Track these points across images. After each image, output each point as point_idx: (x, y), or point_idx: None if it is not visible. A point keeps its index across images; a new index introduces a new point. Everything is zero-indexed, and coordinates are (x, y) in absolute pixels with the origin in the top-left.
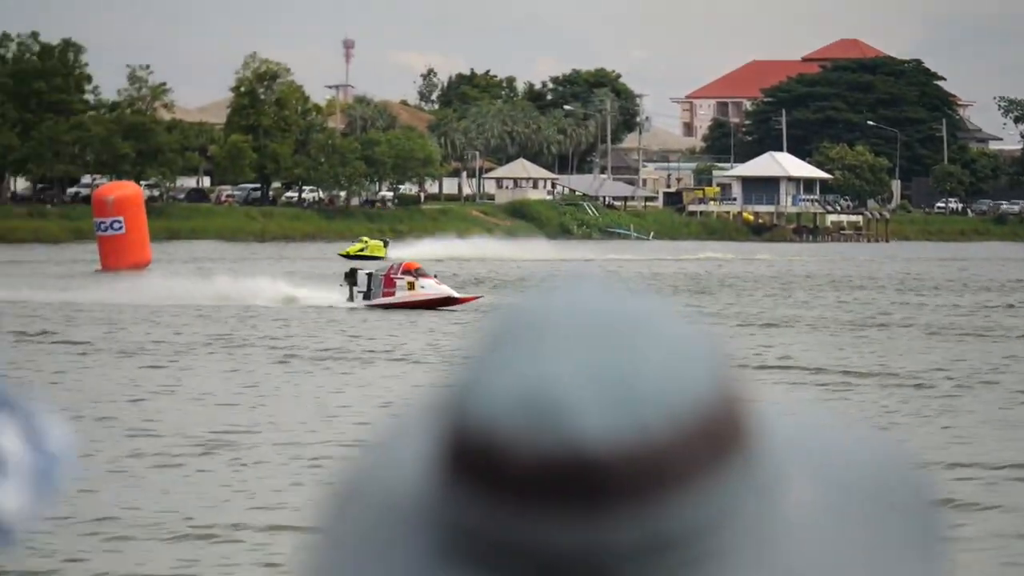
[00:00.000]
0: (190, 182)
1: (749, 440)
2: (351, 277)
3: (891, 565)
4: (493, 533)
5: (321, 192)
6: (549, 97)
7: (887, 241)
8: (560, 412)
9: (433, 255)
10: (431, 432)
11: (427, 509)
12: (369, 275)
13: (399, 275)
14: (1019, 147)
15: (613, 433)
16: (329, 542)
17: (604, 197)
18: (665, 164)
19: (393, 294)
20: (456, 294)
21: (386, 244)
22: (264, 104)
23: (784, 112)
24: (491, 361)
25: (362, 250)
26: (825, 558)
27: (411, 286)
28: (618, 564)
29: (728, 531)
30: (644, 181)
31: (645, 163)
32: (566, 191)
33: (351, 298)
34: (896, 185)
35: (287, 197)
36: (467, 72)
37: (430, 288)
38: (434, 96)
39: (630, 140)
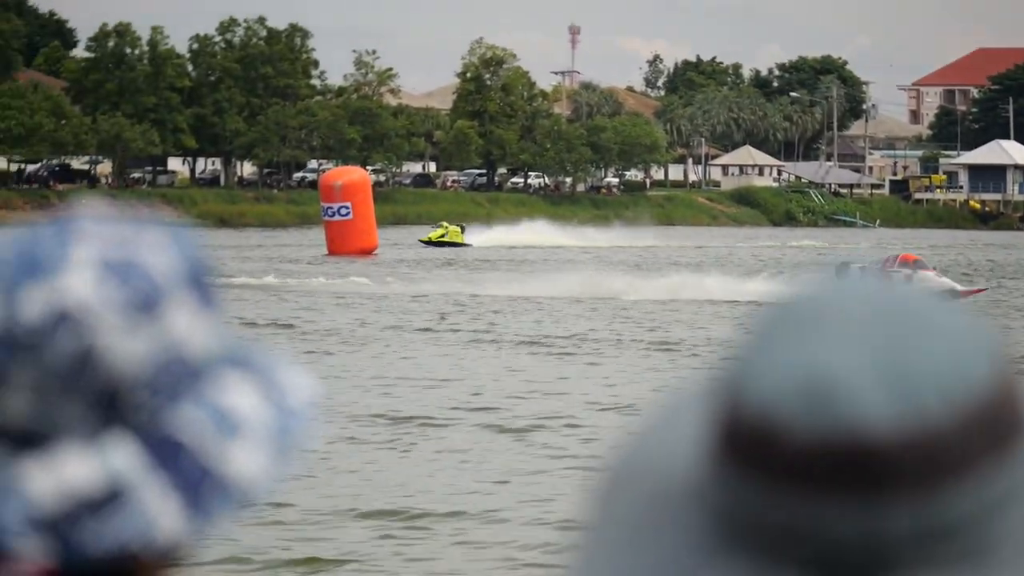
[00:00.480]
0: (416, 168)
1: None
2: (843, 270)
3: None
4: (769, 518)
5: (546, 178)
6: (775, 84)
7: None
8: (839, 397)
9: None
10: (706, 416)
11: (701, 493)
12: (862, 268)
13: (895, 267)
14: None
15: (893, 419)
16: (600, 526)
17: (830, 184)
18: (891, 152)
19: None
20: (959, 287)
21: (463, 229)
22: (490, 90)
23: (1011, 100)
24: (769, 346)
25: (443, 236)
26: None
27: (908, 279)
28: (894, 551)
29: (1004, 521)
30: (870, 169)
31: (871, 151)
32: (792, 178)
33: None
34: None
35: (512, 183)
36: (693, 59)
37: (930, 282)
38: (660, 82)
39: (856, 127)
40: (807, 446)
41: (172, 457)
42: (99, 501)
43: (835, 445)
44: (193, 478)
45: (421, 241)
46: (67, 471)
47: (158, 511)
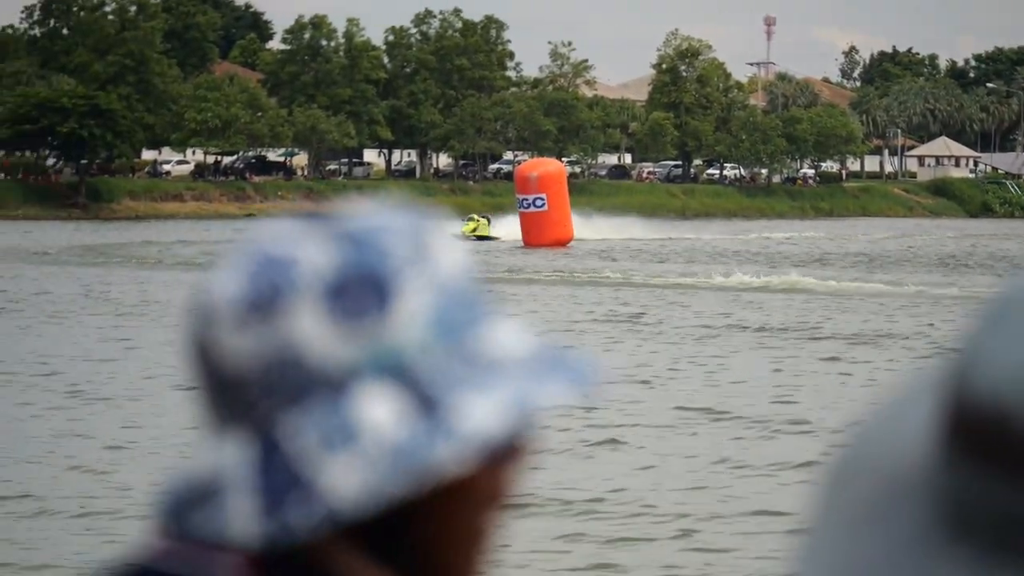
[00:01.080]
0: (611, 159)
1: None
2: None
3: None
4: (999, 508)
5: (742, 169)
6: (971, 75)
7: None
8: None
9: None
10: (935, 404)
11: (928, 485)
12: None
13: None
14: None
15: None
16: (824, 518)
17: None
18: None
19: None
20: None
21: (489, 221)
22: (686, 81)
23: None
24: (1001, 334)
25: (475, 230)
26: None
27: None
28: None
29: None
30: None
31: None
32: (988, 169)
33: None
34: None
35: (708, 174)
36: (889, 50)
37: None
38: (855, 73)
39: None
40: None
41: (265, 460)
42: (199, 494)
43: None
44: (280, 485)
45: (464, 234)
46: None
47: (236, 512)
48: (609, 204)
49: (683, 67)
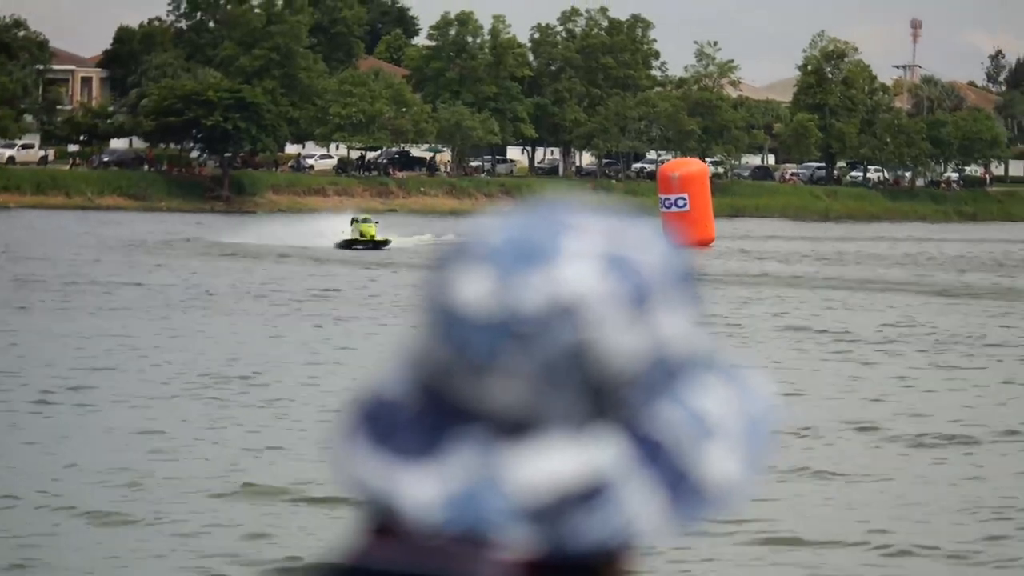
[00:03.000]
0: (754, 160)
1: None
2: None
3: None
4: None
5: (886, 172)
6: None
7: None
8: None
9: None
10: None
11: None
12: None
13: None
14: None
15: None
16: None
17: None
18: None
19: None
20: None
21: (376, 223)
22: (831, 83)
23: None
24: None
25: (363, 234)
26: None
27: None
28: None
29: None
30: None
31: None
32: None
33: None
34: None
35: (851, 177)
36: None
37: None
38: (1001, 77)
39: None
40: None
41: (654, 456)
42: (583, 495)
43: None
44: (672, 479)
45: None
46: (554, 463)
47: (640, 510)
48: (752, 205)
49: (828, 69)
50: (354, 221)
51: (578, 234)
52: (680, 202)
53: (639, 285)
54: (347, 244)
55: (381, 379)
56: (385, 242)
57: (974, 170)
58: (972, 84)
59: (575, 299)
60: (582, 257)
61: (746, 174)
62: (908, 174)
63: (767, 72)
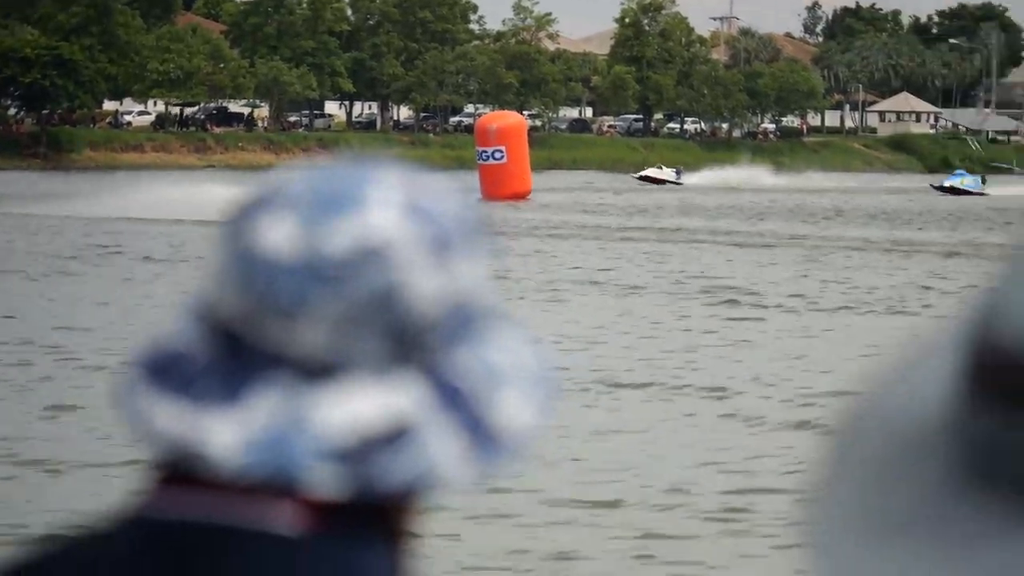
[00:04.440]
0: (572, 112)
1: None
2: None
3: None
4: None
5: (703, 124)
6: (934, 31)
7: None
8: None
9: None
10: (959, 356)
11: (952, 431)
12: None
13: None
14: None
15: None
16: (842, 472)
17: (987, 132)
18: None
19: None
20: None
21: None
22: (648, 35)
23: None
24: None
25: None
26: None
27: None
28: None
29: None
30: None
31: None
32: (949, 125)
33: None
34: None
35: (668, 128)
36: (852, 5)
37: None
38: (818, 29)
39: (1015, 75)
40: None
41: (453, 402)
42: (387, 438)
43: None
44: (471, 424)
45: None
46: (358, 406)
47: (442, 453)
48: (569, 158)
49: (646, 21)
50: None
51: (380, 184)
52: (497, 155)
53: (440, 233)
54: None
55: (168, 331)
56: None
57: (791, 121)
58: (789, 36)
59: (381, 243)
60: (386, 204)
61: (564, 127)
62: (725, 125)
63: (585, 25)
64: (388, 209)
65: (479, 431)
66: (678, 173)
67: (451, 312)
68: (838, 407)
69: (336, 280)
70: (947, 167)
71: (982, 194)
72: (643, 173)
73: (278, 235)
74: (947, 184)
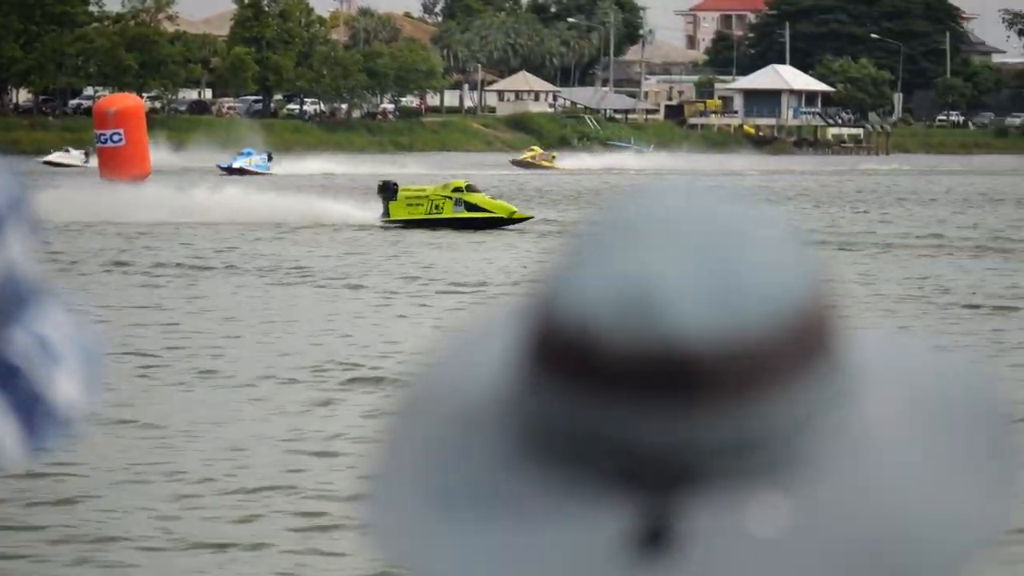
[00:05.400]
0: (192, 94)
1: (837, 348)
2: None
3: (964, 481)
4: (580, 429)
5: (323, 104)
6: (553, 9)
7: (887, 154)
8: (657, 306)
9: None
10: (518, 330)
11: (510, 407)
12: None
13: None
14: (1022, 60)
15: (710, 329)
16: (401, 447)
17: (605, 110)
18: (667, 77)
19: None
20: None
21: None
22: (268, 16)
23: (787, 25)
24: (586, 258)
25: None
26: (900, 470)
27: None
28: (703, 462)
29: (811, 436)
30: (646, 94)
31: (647, 76)
32: (568, 104)
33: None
34: (898, 98)
35: (288, 109)
36: None
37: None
38: (438, 8)
39: (632, 53)
40: (623, 355)
41: (9, 380)
42: None
43: (651, 354)
44: (27, 402)
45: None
46: None
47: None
48: (190, 139)
49: (265, 2)
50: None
51: None
52: (116, 137)
53: None
54: None
55: None
56: None
57: (410, 101)
58: (408, 15)
59: None
60: None
61: (183, 108)
62: (344, 106)
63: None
64: None
65: (36, 408)
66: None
67: (2, 288)
68: (398, 385)
69: None
70: (566, 145)
71: (269, 174)
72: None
73: None
74: (236, 165)
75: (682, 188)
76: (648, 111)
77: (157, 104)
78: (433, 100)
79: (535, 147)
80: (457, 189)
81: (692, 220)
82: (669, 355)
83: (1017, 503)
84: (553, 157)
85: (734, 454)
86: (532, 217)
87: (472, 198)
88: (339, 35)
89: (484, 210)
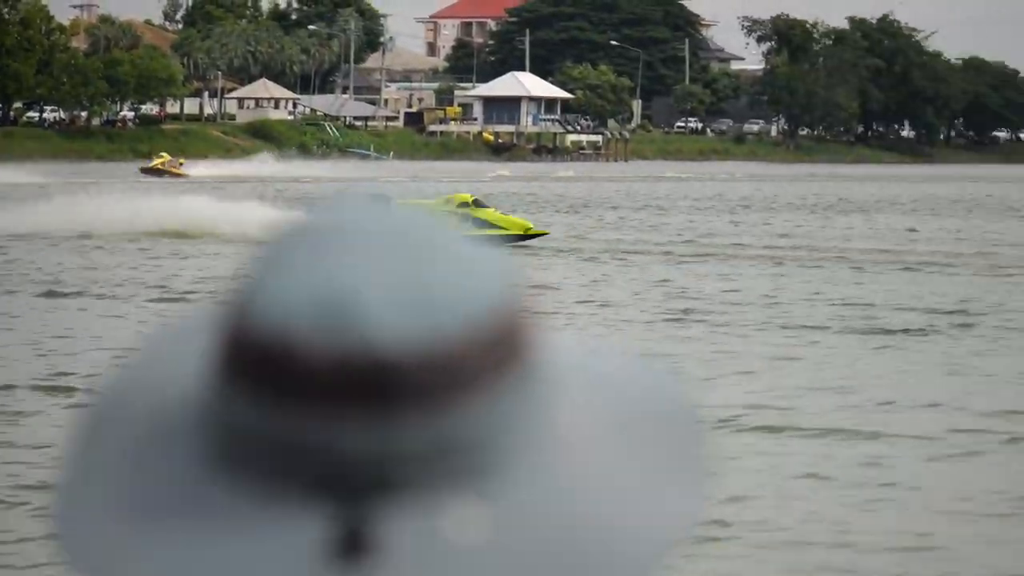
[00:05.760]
0: None
1: (532, 355)
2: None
3: (657, 483)
4: (274, 437)
5: (62, 112)
6: (294, 17)
7: (626, 161)
8: (351, 312)
9: None
10: (209, 336)
11: (200, 416)
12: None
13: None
14: (761, 67)
15: (404, 335)
16: (89, 459)
17: (345, 117)
18: (408, 84)
19: None
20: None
21: None
22: (8, 24)
23: (528, 32)
24: (282, 266)
25: None
26: (594, 474)
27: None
28: (400, 468)
29: (507, 442)
30: (386, 101)
31: (387, 83)
32: (308, 111)
33: None
34: (637, 105)
35: (28, 117)
36: None
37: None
38: (179, 16)
39: (373, 60)
40: (317, 361)
41: None
42: None
43: (345, 360)
44: None
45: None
46: None
47: None
48: None
49: (6, 10)
50: None
51: None
52: None
53: None
54: None
55: None
56: None
57: (150, 108)
58: (149, 23)
59: None
60: None
61: None
62: (84, 113)
63: None
64: None
65: None
66: None
67: None
68: (90, 389)
69: None
70: (305, 152)
71: None
72: None
73: None
74: None
75: (378, 197)
76: (388, 118)
77: None
78: (173, 108)
79: (164, 153)
80: (463, 204)
81: (382, 226)
82: (364, 362)
83: (706, 503)
84: (180, 164)
85: (430, 460)
86: (548, 232)
87: (482, 214)
88: (80, 42)
89: (497, 227)
